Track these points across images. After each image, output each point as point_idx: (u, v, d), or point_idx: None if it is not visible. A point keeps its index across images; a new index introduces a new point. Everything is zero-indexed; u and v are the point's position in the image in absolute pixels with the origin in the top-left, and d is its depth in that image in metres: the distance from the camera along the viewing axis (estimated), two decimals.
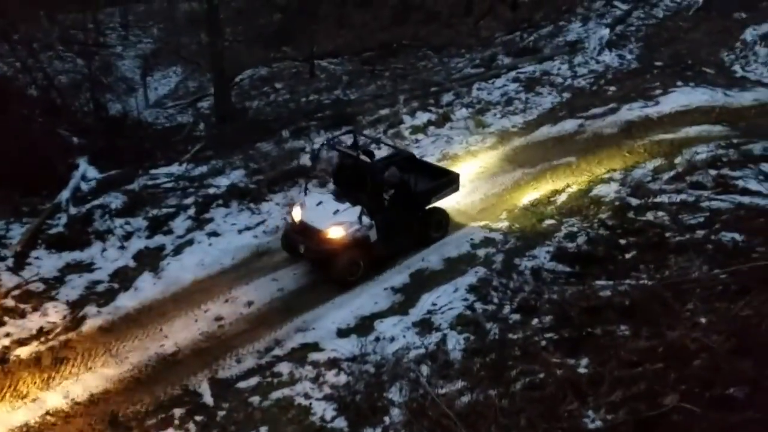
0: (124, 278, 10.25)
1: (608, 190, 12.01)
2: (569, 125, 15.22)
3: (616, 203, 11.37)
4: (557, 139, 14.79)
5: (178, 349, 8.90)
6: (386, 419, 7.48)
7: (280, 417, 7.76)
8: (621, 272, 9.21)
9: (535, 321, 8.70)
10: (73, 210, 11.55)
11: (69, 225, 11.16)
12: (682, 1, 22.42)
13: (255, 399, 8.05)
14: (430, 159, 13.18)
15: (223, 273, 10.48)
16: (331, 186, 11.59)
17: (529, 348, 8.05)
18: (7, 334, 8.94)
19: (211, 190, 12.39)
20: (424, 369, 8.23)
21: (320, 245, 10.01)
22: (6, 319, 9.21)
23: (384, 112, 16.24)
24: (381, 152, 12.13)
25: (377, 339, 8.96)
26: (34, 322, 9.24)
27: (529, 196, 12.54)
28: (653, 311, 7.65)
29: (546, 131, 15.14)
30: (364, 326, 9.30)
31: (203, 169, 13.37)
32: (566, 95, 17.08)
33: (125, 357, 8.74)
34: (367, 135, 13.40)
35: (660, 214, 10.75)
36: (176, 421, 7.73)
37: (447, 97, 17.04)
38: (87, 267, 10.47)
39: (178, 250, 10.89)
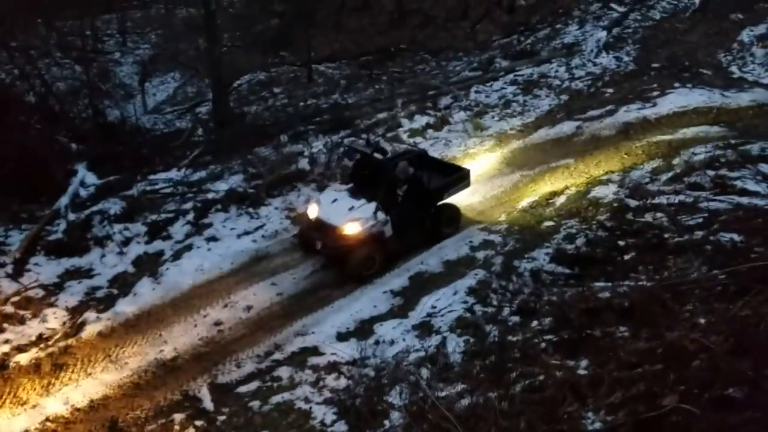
0: (123, 284, 10.25)
1: (607, 192, 12.01)
2: (567, 127, 15.26)
3: (615, 205, 11.38)
4: (555, 141, 14.81)
5: (178, 355, 8.90)
6: (386, 423, 7.46)
7: (281, 421, 7.75)
8: (620, 274, 9.21)
9: (534, 323, 8.69)
10: (71, 216, 11.55)
11: (68, 231, 11.16)
12: (678, 2, 22.50)
13: (255, 403, 8.04)
14: None
15: (222, 278, 10.49)
16: (335, 185, 11.62)
17: (529, 350, 8.05)
18: (7, 341, 8.94)
19: (210, 195, 12.40)
20: (424, 372, 8.22)
21: (336, 241, 10.19)
22: (5, 325, 9.21)
23: (382, 115, 16.28)
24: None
25: (377, 342, 8.96)
26: (33, 328, 9.23)
27: (527, 198, 12.55)
28: (652, 312, 7.64)
29: (544, 133, 15.17)
30: (363, 330, 9.30)
31: (202, 174, 13.39)
32: (564, 97, 17.12)
33: (125, 362, 8.74)
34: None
35: (658, 215, 10.75)
36: (176, 427, 7.73)
37: (445, 101, 17.09)
38: (86, 273, 10.47)
39: (177, 256, 10.89)
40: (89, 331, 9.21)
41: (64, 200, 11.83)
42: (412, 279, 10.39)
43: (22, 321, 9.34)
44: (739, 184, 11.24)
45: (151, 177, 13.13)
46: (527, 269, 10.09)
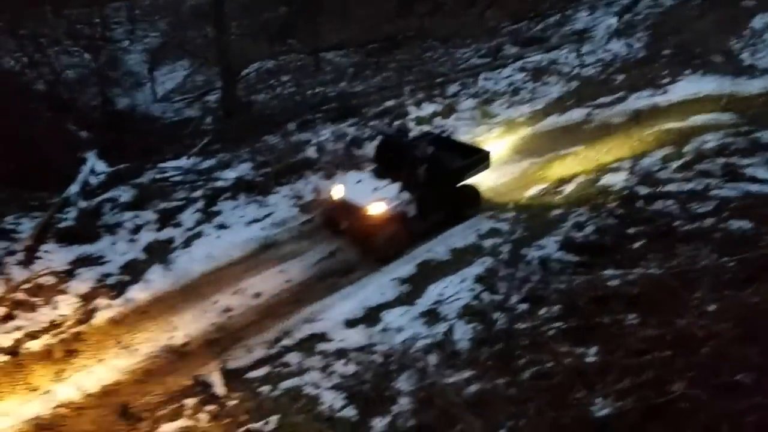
0: (134, 271, 10.33)
1: (616, 180, 11.94)
2: (577, 114, 15.16)
3: (625, 192, 11.31)
4: (565, 128, 14.72)
5: (189, 340, 8.98)
6: (394, 408, 7.52)
7: (290, 406, 7.82)
8: (629, 261, 9.18)
9: (542, 311, 8.70)
10: (82, 204, 11.64)
11: (79, 219, 11.25)
12: None
13: (265, 389, 8.11)
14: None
15: (232, 265, 10.56)
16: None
17: (537, 337, 8.06)
18: (19, 328, 9.05)
19: (219, 184, 12.46)
20: (432, 359, 8.27)
21: (362, 221, 10.45)
22: (17, 312, 9.31)
23: (389, 103, 16.24)
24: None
25: (384, 329, 9.01)
26: (45, 315, 9.33)
27: (536, 186, 12.50)
28: (661, 300, 7.64)
29: (553, 121, 15.08)
30: (371, 317, 9.34)
31: (211, 162, 13.43)
32: (574, 84, 16.97)
33: (136, 348, 8.83)
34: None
35: (668, 202, 10.68)
36: (188, 411, 7.81)
37: (453, 88, 17.01)
38: (97, 260, 10.54)
39: (187, 243, 10.97)
40: (101, 317, 9.31)
41: (74, 188, 11.92)
42: (419, 267, 10.41)
43: (33, 308, 9.44)
44: (749, 171, 11.14)
45: (161, 165, 13.18)
46: (535, 257, 10.06)
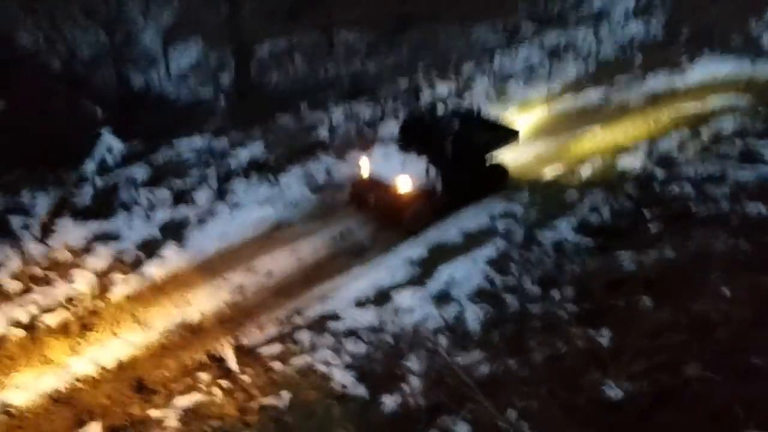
0: (149, 248, 10.39)
1: (633, 162, 11.84)
2: (594, 95, 15.00)
3: (641, 175, 11.22)
4: (581, 109, 14.58)
5: (202, 317, 9.06)
6: (405, 387, 7.57)
7: (302, 383, 7.90)
8: (644, 244, 9.13)
9: (556, 293, 8.69)
10: (98, 181, 11.72)
11: (95, 196, 11.34)
12: None
13: (277, 365, 8.18)
14: None
15: (244, 244, 10.59)
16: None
17: (550, 320, 8.06)
18: (35, 302, 9.15)
19: (232, 163, 12.47)
20: (443, 339, 8.29)
21: (390, 197, 10.56)
22: (34, 287, 9.42)
23: (403, 83, 16.08)
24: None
25: (395, 310, 9.03)
26: (61, 290, 9.42)
27: (551, 167, 12.40)
28: (676, 283, 7.62)
29: (570, 101, 14.92)
30: (382, 297, 9.36)
31: (224, 142, 13.43)
32: (591, 65, 16.75)
33: (151, 324, 8.92)
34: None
35: (685, 185, 10.60)
36: (201, 386, 7.91)
37: (468, 67, 16.81)
38: (113, 236, 10.62)
39: (201, 221, 11.02)
40: (116, 293, 9.40)
41: (90, 165, 11.98)
42: (430, 249, 10.39)
43: (50, 283, 9.54)
44: (767, 154, 11.01)
45: (175, 144, 13.20)
46: (549, 240, 10.03)
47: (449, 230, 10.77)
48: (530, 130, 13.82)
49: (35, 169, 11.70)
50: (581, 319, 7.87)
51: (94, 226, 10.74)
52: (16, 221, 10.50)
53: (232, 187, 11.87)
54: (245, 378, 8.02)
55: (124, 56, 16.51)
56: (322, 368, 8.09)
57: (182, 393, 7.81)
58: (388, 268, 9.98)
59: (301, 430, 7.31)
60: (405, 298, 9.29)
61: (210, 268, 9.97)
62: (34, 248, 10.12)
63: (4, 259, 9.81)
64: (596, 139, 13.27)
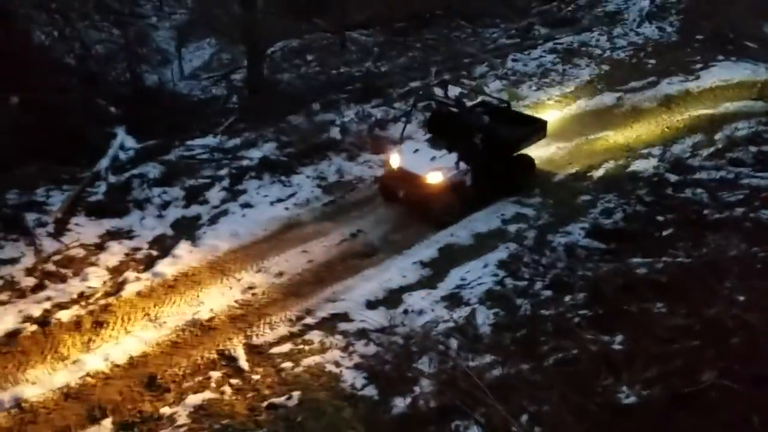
0: (162, 246, 10.43)
1: (646, 166, 11.79)
2: (607, 98, 14.95)
3: (654, 179, 11.17)
4: (594, 112, 14.53)
5: (214, 315, 9.08)
6: (416, 389, 7.56)
7: (312, 383, 7.89)
8: (657, 249, 9.09)
9: (568, 298, 8.65)
10: (112, 178, 11.78)
11: (108, 193, 11.39)
12: None
13: (287, 365, 8.19)
14: None
15: (256, 243, 10.61)
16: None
17: (562, 324, 8.02)
18: (49, 298, 9.20)
19: (245, 162, 12.51)
20: (453, 342, 8.27)
21: (419, 189, 10.67)
22: (47, 283, 9.46)
23: (415, 84, 16.09)
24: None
25: (406, 311, 9.01)
26: (74, 286, 9.47)
27: (563, 170, 12.36)
28: (690, 289, 7.57)
29: (583, 104, 14.88)
30: (392, 299, 9.34)
31: (236, 141, 13.47)
32: (604, 67, 16.71)
33: (163, 321, 8.95)
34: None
35: (698, 190, 10.55)
36: (213, 384, 7.92)
37: (480, 69, 16.80)
38: (126, 234, 10.66)
39: (213, 220, 11.05)
40: (129, 290, 9.43)
41: (104, 162, 12.04)
42: (441, 251, 10.37)
43: (63, 279, 9.59)
44: None
45: (188, 143, 13.26)
46: (561, 243, 9.99)
47: (460, 233, 10.74)
48: None
49: (50, 166, 11.78)
50: (594, 324, 7.84)
51: (108, 224, 10.79)
52: (30, 217, 10.57)
53: (244, 187, 11.91)
54: (256, 377, 8.03)
55: (138, 54, 16.59)
56: (332, 369, 8.09)
57: (193, 391, 7.83)
58: (398, 269, 9.96)
59: (310, 431, 7.31)
60: (416, 299, 9.27)
61: (222, 267, 10.00)
62: (48, 244, 10.18)
63: (18, 255, 9.87)
64: (609, 142, 13.22)
